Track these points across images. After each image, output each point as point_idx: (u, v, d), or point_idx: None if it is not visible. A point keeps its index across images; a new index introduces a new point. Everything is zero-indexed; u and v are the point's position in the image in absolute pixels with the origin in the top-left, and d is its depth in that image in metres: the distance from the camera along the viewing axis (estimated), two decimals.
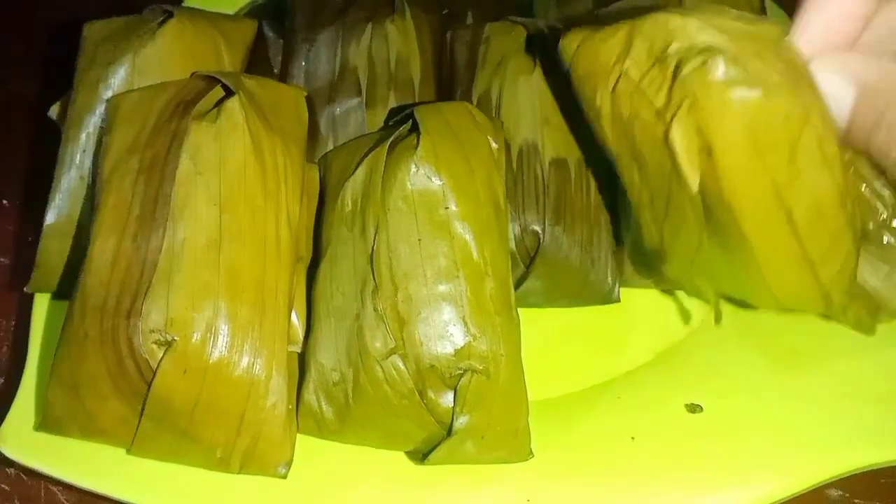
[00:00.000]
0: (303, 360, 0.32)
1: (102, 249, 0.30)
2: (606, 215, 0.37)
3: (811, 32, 0.28)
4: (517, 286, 0.35)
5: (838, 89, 0.27)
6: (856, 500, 0.34)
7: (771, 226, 0.28)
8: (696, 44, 0.26)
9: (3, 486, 0.35)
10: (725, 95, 0.26)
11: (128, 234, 0.30)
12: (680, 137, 0.27)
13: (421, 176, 0.32)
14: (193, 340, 0.29)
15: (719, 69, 0.25)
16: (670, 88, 0.27)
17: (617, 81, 0.28)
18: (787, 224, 0.28)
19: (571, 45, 0.30)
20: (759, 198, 0.27)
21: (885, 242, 0.32)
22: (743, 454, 0.31)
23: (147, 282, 0.29)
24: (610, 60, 0.29)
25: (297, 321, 0.32)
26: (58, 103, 0.40)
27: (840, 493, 0.34)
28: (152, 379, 0.29)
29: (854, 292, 0.31)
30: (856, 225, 0.29)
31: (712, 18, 0.27)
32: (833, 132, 0.27)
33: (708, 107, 0.26)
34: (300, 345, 0.32)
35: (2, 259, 0.43)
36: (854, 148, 0.28)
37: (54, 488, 0.35)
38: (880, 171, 0.31)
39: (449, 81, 0.40)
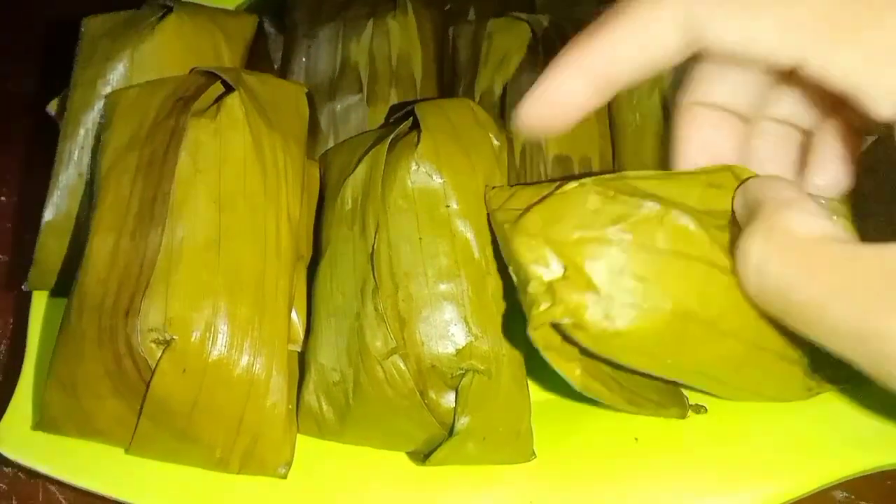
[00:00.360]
0: (303, 360, 0.32)
1: (101, 247, 0.30)
2: None
3: (529, 116, 0.27)
4: None
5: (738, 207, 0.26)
6: (861, 503, 0.34)
7: (696, 381, 0.28)
8: (542, 286, 0.25)
9: (0, 485, 0.35)
10: (580, 333, 0.25)
11: (126, 232, 0.30)
12: (550, 361, 0.26)
13: (422, 174, 0.31)
14: (192, 339, 0.28)
15: (562, 318, 0.24)
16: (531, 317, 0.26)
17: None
18: (710, 379, 0.28)
19: (490, 203, 0.30)
20: (669, 372, 0.27)
21: None
22: (747, 456, 0.31)
23: (146, 280, 0.29)
24: (503, 251, 0.28)
25: (297, 320, 0.32)
26: (56, 99, 0.39)
27: (846, 494, 0.34)
28: (151, 378, 0.28)
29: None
30: (792, 350, 0.28)
31: (574, 231, 0.25)
32: (732, 300, 0.25)
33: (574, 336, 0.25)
34: (300, 344, 0.32)
35: (0, 256, 0.43)
36: None
37: (52, 487, 0.35)
38: None
39: (451, 78, 0.40)
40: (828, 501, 0.34)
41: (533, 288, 0.25)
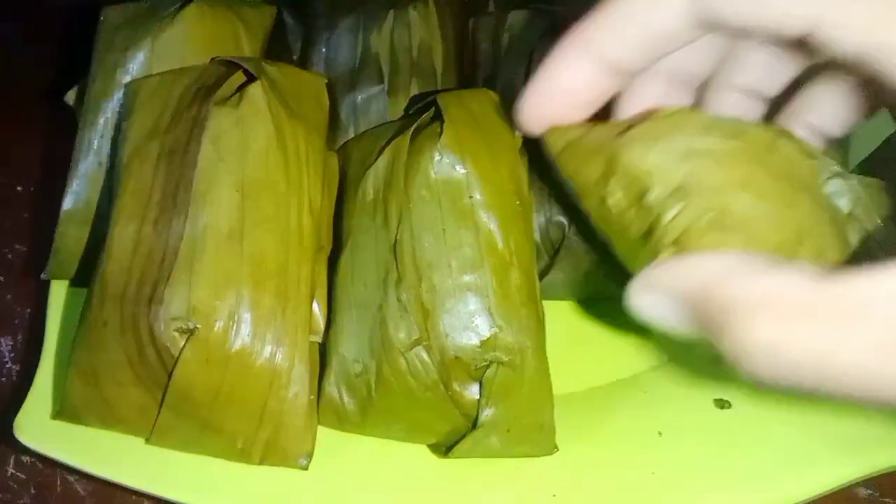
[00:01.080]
0: (323, 352, 0.31)
1: (122, 235, 0.30)
2: None
3: (531, 107, 0.25)
4: (541, 278, 0.34)
5: (673, 314, 0.22)
6: (885, 500, 0.33)
7: None
8: (669, 189, 0.24)
9: (19, 474, 0.35)
10: (706, 238, 0.23)
11: (148, 220, 0.30)
12: None
13: (445, 164, 0.31)
14: (216, 329, 0.28)
15: (698, 218, 0.23)
16: (650, 229, 0.24)
17: (600, 201, 0.26)
18: None
19: (557, 142, 0.28)
20: None
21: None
22: (771, 452, 0.31)
23: (168, 268, 0.28)
24: (591, 180, 0.26)
25: (318, 311, 0.32)
26: (74, 89, 0.39)
27: (870, 492, 0.34)
28: (173, 368, 0.28)
29: None
30: None
31: (693, 141, 0.24)
32: (836, 238, 0.24)
33: (693, 243, 0.24)
34: (321, 335, 0.32)
35: (18, 246, 0.43)
36: None
37: (71, 477, 0.34)
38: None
39: (471, 70, 0.40)
40: (852, 499, 0.33)
41: (653, 198, 0.24)
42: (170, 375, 0.28)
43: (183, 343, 0.28)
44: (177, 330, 0.28)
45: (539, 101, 0.25)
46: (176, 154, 0.31)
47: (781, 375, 0.19)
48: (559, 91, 0.25)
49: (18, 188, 0.45)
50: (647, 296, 0.22)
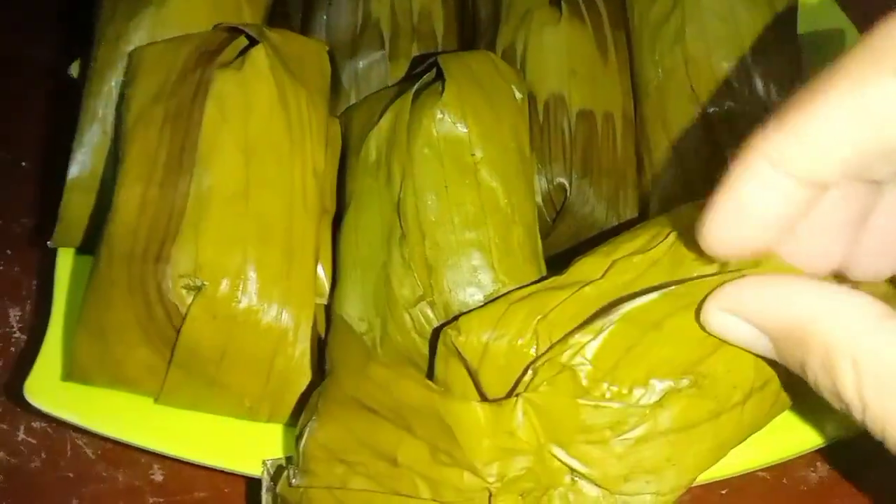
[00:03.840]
0: (329, 314, 0.32)
1: (128, 197, 0.30)
2: (633, 170, 0.36)
3: (718, 235, 0.21)
4: (542, 239, 0.35)
5: (751, 339, 0.21)
6: None
7: None
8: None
9: (29, 439, 0.35)
10: None
11: (154, 182, 0.30)
12: None
13: (446, 122, 0.31)
14: (223, 286, 0.28)
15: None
16: None
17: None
18: None
19: None
20: None
21: None
22: None
23: (175, 228, 0.29)
24: None
25: (322, 274, 0.32)
26: (77, 61, 0.40)
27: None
28: (181, 325, 0.28)
29: None
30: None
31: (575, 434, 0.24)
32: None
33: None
34: (326, 297, 0.32)
35: (23, 220, 0.43)
36: None
37: (80, 441, 0.35)
38: None
39: (472, 35, 0.40)
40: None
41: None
42: (178, 333, 0.28)
43: (190, 300, 0.28)
44: (184, 287, 0.28)
45: (724, 222, 0.21)
46: (180, 117, 0.31)
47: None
48: (747, 209, 0.21)
49: (23, 163, 0.45)
50: (725, 316, 0.21)
